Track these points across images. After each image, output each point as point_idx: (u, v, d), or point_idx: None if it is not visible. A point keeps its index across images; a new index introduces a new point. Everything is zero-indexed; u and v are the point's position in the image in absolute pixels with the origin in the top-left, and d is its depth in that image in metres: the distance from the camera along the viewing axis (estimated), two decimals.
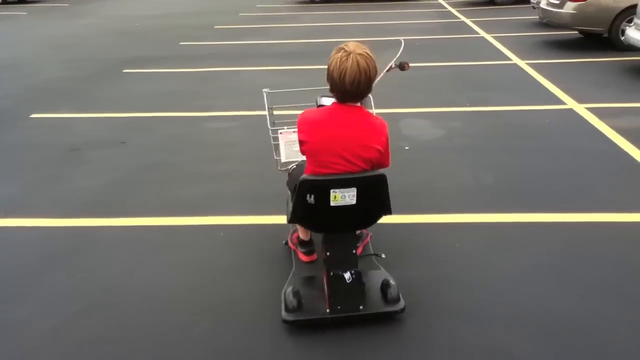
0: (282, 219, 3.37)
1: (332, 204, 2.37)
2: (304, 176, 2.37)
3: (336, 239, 2.56)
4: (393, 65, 3.16)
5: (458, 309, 2.73)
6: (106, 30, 13.00)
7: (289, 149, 3.01)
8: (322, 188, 2.35)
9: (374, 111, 2.91)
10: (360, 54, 2.30)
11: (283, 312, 2.60)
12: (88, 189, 4.29)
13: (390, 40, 10.37)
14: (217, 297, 2.89)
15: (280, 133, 3.00)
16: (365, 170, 2.42)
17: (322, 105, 2.88)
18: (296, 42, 10.50)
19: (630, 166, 4.34)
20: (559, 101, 6.12)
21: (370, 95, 3.05)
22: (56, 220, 3.79)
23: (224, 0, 19.50)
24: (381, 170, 2.40)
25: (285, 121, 3.10)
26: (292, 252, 3.17)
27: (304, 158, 2.97)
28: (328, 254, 2.55)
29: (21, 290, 3.01)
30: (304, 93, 3.30)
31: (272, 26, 12.78)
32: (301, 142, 2.46)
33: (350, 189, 2.36)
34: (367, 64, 2.30)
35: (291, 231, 3.26)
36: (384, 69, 3.14)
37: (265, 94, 3.25)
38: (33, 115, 6.28)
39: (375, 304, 2.64)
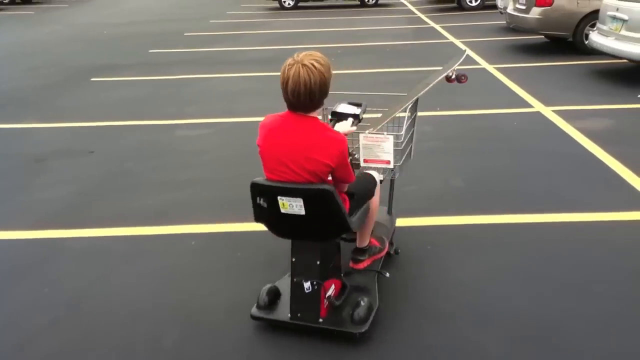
0: (252, 226, 3.34)
1: (282, 211, 2.37)
2: (254, 180, 2.39)
3: (302, 246, 2.54)
4: (452, 76, 3.12)
5: (430, 310, 2.74)
6: (72, 38, 12.80)
7: (368, 152, 2.93)
8: (269, 193, 2.36)
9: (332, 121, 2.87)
10: (304, 65, 2.22)
11: (253, 308, 2.64)
12: (54, 199, 4.19)
13: (362, 46, 10.43)
14: (187, 306, 2.85)
15: (362, 136, 2.90)
16: (311, 183, 2.36)
17: (336, 112, 2.85)
18: (266, 48, 10.48)
19: (596, 167, 4.42)
20: (527, 104, 6.22)
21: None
22: (22, 232, 3.70)
23: (194, 8, 19.40)
24: (326, 185, 2.30)
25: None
26: None
27: (384, 165, 2.93)
28: (293, 259, 2.56)
29: None
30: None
31: (243, 33, 12.73)
32: (259, 146, 2.43)
33: (296, 199, 2.31)
34: (309, 76, 2.21)
35: None
36: (437, 78, 3.13)
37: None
38: None
39: (339, 320, 2.58)
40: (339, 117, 2.83)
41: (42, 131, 5.95)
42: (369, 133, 2.89)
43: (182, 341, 2.60)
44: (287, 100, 2.32)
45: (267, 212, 2.42)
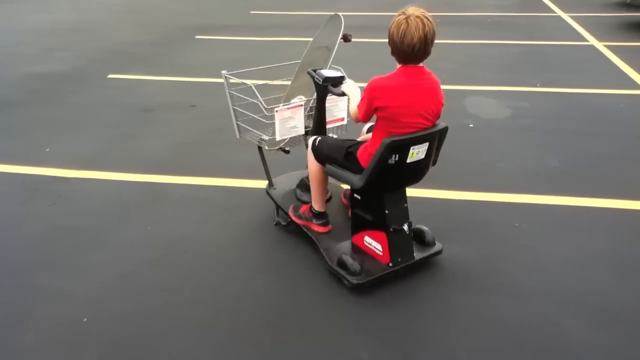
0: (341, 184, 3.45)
1: (408, 160, 2.53)
2: (391, 138, 2.44)
3: (393, 196, 2.71)
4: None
5: (511, 287, 2.74)
6: None
7: (283, 126, 3.05)
8: (405, 147, 2.49)
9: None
10: (417, 17, 2.38)
11: (350, 278, 2.68)
12: (160, 148, 4.51)
13: (462, 15, 10.12)
14: (275, 256, 3.02)
15: (276, 111, 3.00)
16: (434, 125, 2.59)
17: (330, 77, 2.89)
18: (364, 14, 10.42)
19: None
20: (637, 85, 5.86)
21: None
22: (130, 175, 4.02)
23: None
24: (444, 123, 2.60)
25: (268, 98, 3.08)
26: (304, 227, 3.10)
27: (297, 134, 3.12)
28: (387, 211, 2.69)
29: (96, 238, 3.24)
30: (271, 70, 3.47)
31: None
32: (377, 109, 2.49)
33: (424, 145, 2.54)
34: (426, 26, 2.38)
35: (291, 208, 3.21)
36: (335, 43, 3.16)
37: (224, 77, 3.22)
38: (110, 76, 6.60)
39: (418, 251, 2.85)
40: (334, 81, 2.91)
41: (149, 83, 6.34)
42: (283, 106, 3.06)
43: (267, 289, 2.77)
44: (403, 53, 2.44)
45: (391, 168, 2.52)
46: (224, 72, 3.27)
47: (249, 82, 3.12)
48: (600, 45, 7.67)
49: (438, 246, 2.89)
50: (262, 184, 3.83)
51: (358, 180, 2.62)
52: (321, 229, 3.05)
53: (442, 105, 2.59)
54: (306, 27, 9.43)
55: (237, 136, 3.28)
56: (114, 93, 6.01)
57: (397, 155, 2.49)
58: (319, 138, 2.95)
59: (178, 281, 2.84)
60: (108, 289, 2.78)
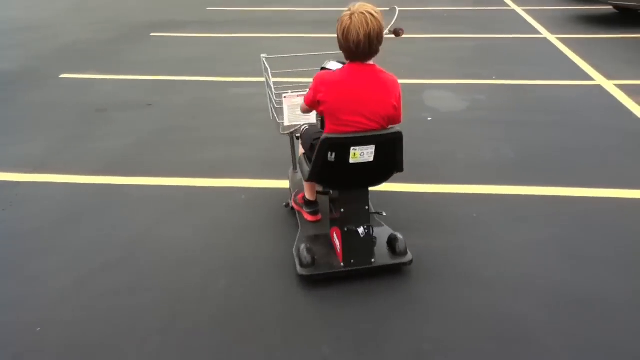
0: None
1: (351, 161, 2.46)
2: (326, 135, 2.43)
3: (350, 196, 2.65)
4: (387, 32, 3.16)
5: (470, 277, 2.78)
6: None
7: (292, 112, 3.08)
8: (343, 146, 2.42)
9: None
10: (362, 13, 2.35)
11: (298, 268, 2.71)
12: (114, 148, 4.40)
13: (419, 10, 10.22)
14: (236, 256, 2.98)
15: (284, 97, 3.05)
16: (383, 128, 2.50)
17: (325, 69, 2.89)
18: (322, 9, 10.41)
19: None
20: (588, 77, 6.02)
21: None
22: (83, 177, 3.91)
23: None
24: (397, 128, 2.48)
25: (286, 86, 3.14)
26: (297, 213, 3.25)
27: (307, 121, 3.10)
28: (342, 210, 2.64)
29: (49, 243, 3.14)
30: (304, 58, 3.42)
31: None
32: (319, 102, 2.50)
33: (369, 147, 2.44)
34: (369, 23, 2.33)
35: (294, 193, 3.32)
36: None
37: (263, 60, 3.30)
38: (62, 76, 6.41)
39: (384, 257, 2.78)
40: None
41: (103, 82, 6.18)
42: (291, 92, 3.10)
43: (228, 288, 2.73)
44: (347, 50, 2.42)
45: (331, 166, 2.48)
46: (263, 55, 3.32)
47: (264, 56, 3.28)
48: (553, 38, 7.86)
49: (408, 257, 2.77)
50: (224, 182, 3.80)
51: (305, 172, 2.62)
52: (309, 218, 3.13)
53: (395, 108, 2.50)
54: (264, 23, 9.37)
55: (277, 120, 3.23)
56: (67, 93, 5.84)
57: (335, 154, 2.43)
58: (307, 126, 2.98)
59: (137, 284, 2.77)
60: (62, 295, 2.69)
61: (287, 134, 3.34)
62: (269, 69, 3.26)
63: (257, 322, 2.49)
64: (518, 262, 2.89)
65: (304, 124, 3.11)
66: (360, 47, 2.37)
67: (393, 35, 3.08)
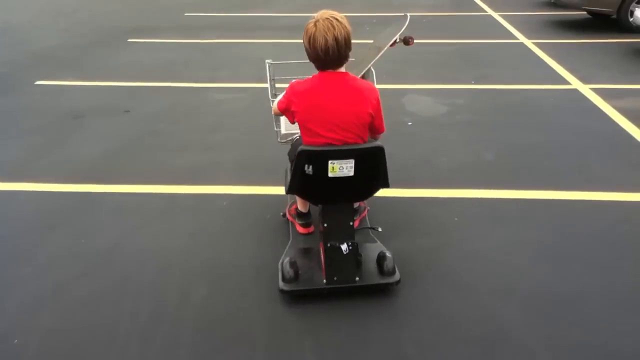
0: (281, 190, 3.42)
1: (330, 175, 2.37)
2: (302, 147, 2.35)
3: (333, 210, 2.55)
4: (397, 40, 3.14)
5: (451, 279, 2.78)
6: None
7: (288, 121, 3.03)
8: (320, 159, 2.33)
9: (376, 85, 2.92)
10: (326, 19, 2.29)
11: (280, 282, 2.63)
12: (91, 155, 4.32)
13: (398, 15, 10.29)
14: (217, 263, 2.95)
15: None
16: (362, 139, 2.43)
17: None
18: (298, 15, 10.41)
19: (631, 146, 4.35)
20: (564, 81, 6.11)
21: (372, 69, 3.06)
22: (59, 185, 3.83)
23: None
24: (378, 142, 2.38)
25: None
26: (290, 223, 3.20)
27: None
28: (325, 225, 2.56)
29: (26, 250, 3.07)
30: (306, 65, 3.32)
31: None
32: (292, 113, 2.45)
33: (348, 160, 2.34)
34: (334, 29, 2.27)
35: (289, 203, 3.29)
36: (387, 43, 3.14)
37: (267, 65, 3.25)
38: (38, 82, 6.30)
39: (371, 275, 2.66)
40: None
41: (80, 89, 6.09)
42: None
43: (209, 296, 2.69)
44: (316, 59, 2.36)
45: (309, 179, 2.39)
46: (268, 61, 3.26)
47: (269, 61, 3.21)
48: (529, 43, 7.96)
49: (395, 277, 2.63)
50: (202, 189, 3.75)
51: (286, 185, 2.56)
52: (301, 230, 3.09)
53: (372, 117, 2.40)
54: (241, 29, 9.34)
55: (275, 128, 3.19)
56: (42, 99, 5.74)
57: (312, 167, 2.35)
58: (298, 137, 2.94)
59: (115, 292, 2.72)
60: (39, 304, 2.63)
61: (285, 142, 3.25)
62: (272, 75, 3.20)
63: (239, 329, 2.46)
64: (498, 264, 2.90)
65: (298, 134, 3.04)
66: (329, 53, 2.29)
67: (402, 44, 3.05)
